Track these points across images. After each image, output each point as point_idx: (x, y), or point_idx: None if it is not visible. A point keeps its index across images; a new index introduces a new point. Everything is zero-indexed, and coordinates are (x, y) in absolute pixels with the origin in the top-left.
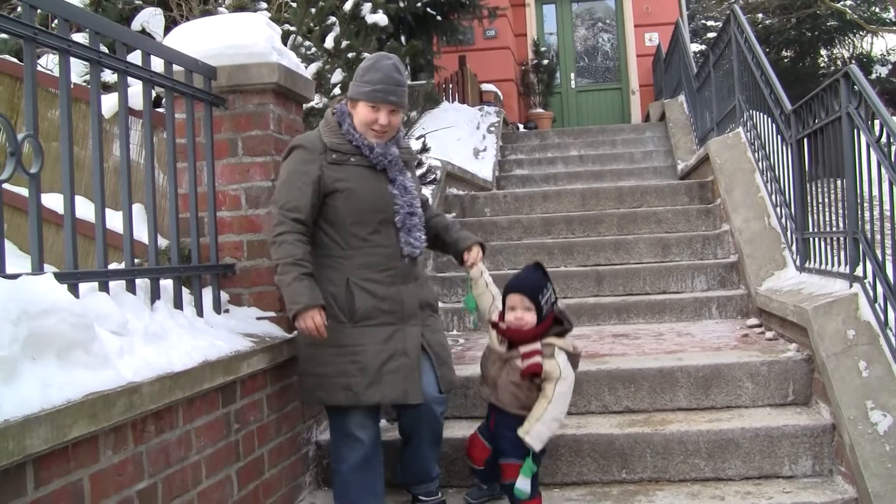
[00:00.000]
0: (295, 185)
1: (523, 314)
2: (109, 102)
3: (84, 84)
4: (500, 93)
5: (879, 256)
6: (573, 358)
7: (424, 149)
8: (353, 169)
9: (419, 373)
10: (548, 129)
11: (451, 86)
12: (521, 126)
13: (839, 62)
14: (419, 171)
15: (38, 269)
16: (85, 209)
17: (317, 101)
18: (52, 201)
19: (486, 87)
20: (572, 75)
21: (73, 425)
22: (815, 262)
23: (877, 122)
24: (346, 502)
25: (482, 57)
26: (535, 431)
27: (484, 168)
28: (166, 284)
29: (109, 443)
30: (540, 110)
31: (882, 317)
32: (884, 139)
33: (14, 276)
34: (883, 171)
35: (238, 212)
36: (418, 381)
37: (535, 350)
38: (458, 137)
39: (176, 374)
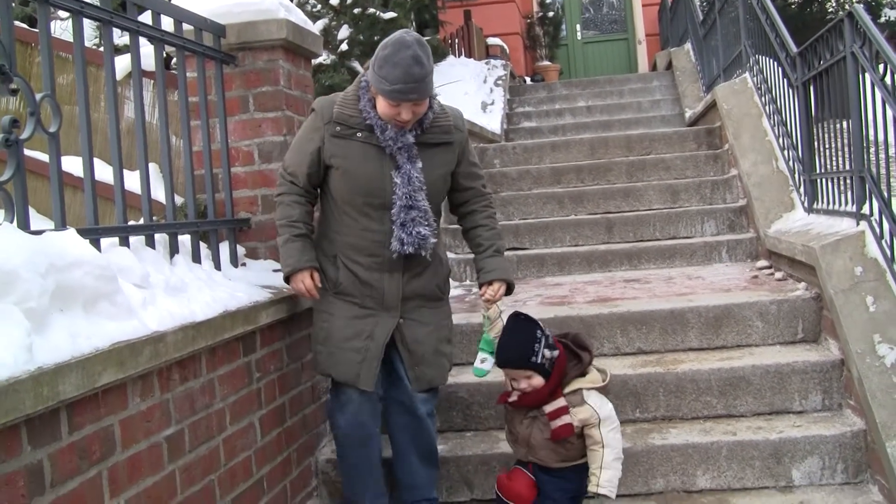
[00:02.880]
0: (298, 149)
1: (527, 382)
2: (121, 64)
3: (93, 47)
4: (506, 46)
5: (886, 194)
6: (604, 389)
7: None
8: (357, 146)
9: (378, 361)
10: (555, 81)
11: (457, 40)
12: (528, 79)
13: (846, 6)
14: None
15: (60, 227)
16: (99, 171)
17: (324, 57)
18: (67, 164)
19: (491, 41)
20: (578, 27)
21: (102, 373)
22: (822, 202)
23: (881, 61)
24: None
25: (487, 11)
26: (606, 480)
27: (492, 121)
28: (184, 240)
29: (137, 390)
30: (547, 63)
31: (889, 253)
32: (888, 78)
33: (38, 233)
34: (888, 108)
35: (252, 167)
36: (375, 368)
37: (560, 409)
38: (465, 92)
39: (198, 323)
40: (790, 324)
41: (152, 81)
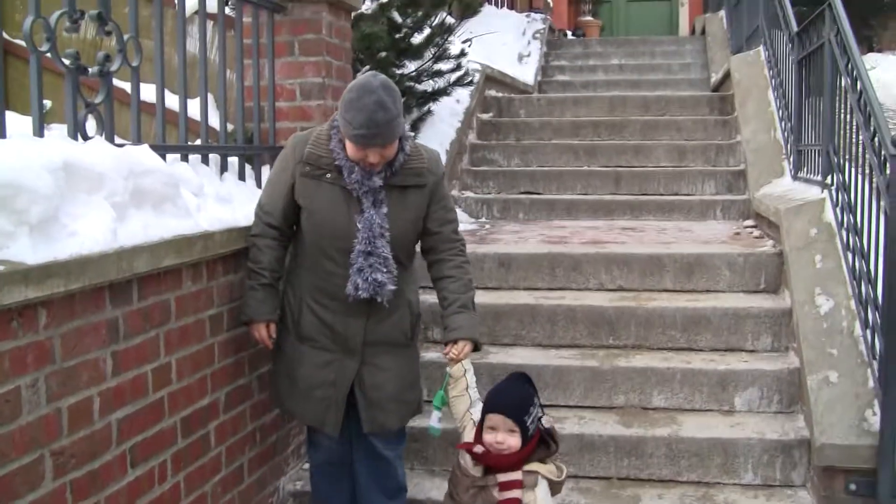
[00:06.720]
0: (273, 186)
1: (505, 437)
2: (188, 4)
3: None
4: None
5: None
6: (556, 485)
7: (462, 53)
8: (325, 188)
9: (343, 406)
10: (591, 39)
11: None
12: (569, 33)
13: None
14: (457, 74)
15: (136, 142)
16: (168, 100)
17: (366, 7)
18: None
19: None
20: None
21: (164, 256)
22: (804, 171)
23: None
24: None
25: None
26: None
27: (526, 73)
28: (233, 161)
29: (189, 275)
30: (589, 18)
31: (840, 219)
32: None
33: (121, 146)
34: (848, 95)
35: (293, 102)
36: (340, 414)
37: (514, 481)
38: (503, 42)
39: (240, 227)
40: (755, 275)
41: (213, 22)
